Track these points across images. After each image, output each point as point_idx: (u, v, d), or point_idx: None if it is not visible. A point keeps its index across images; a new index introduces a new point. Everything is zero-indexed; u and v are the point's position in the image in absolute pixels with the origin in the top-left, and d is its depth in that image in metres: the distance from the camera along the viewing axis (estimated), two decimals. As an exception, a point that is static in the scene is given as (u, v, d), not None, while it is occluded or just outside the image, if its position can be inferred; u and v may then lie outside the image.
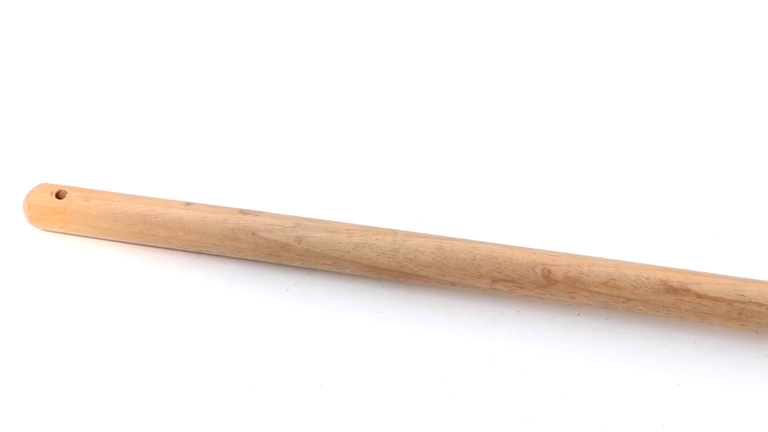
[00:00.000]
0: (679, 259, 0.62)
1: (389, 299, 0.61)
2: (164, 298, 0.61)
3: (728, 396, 0.56)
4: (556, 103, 0.76)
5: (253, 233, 0.61)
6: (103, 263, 0.63)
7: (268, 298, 0.61)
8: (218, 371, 0.57)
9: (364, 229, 0.60)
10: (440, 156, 0.71)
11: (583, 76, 0.78)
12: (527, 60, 0.80)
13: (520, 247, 0.59)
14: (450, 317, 0.60)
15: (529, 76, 0.79)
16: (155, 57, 0.81)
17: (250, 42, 0.82)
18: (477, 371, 0.57)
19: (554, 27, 0.84)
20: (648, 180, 0.69)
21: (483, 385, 0.57)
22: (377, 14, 0.85)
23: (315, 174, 0.69)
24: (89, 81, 0.78)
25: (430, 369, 0.57)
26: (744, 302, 0.55)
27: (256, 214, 0.61)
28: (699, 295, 0.56)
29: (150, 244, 0.64)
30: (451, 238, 0.59)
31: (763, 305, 0.55)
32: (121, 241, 0.64)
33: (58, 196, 0.63)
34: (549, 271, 0.57)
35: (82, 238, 0.65)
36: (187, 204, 0.62)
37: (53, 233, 0.65)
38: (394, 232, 0.60)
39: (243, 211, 0.62)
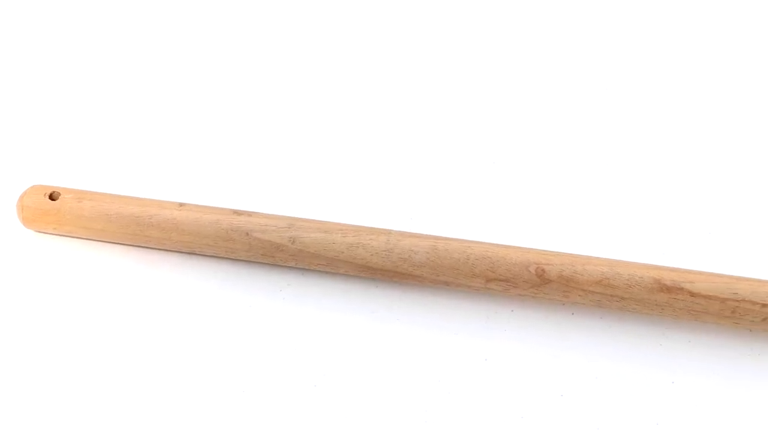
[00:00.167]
0: (672, 257, 0.62)
1: (383, 299, 0.61)
2: (158, 300, 0.61)
3: (722, 394, 0.56)
4: (550, 102, 0.76)
5: (247, 234, 0.60)
6: (96, 264, 0.63)
7: (262, 298, 0.61)
8: (213, 372, 0.57)
9: (358, 229, 0.60)
10: (434, 156, 0.71)
11: (576, 76, 0.78)
12: (520, 60, 0.80)
13: (513, 247, 0.59)
14: (444, 317, 0.60)
15: (523, 76, 0.79)
16: (149, 59, 0.81)
17: (242, 42, 0.82)
18: (471, 371, 0.57)
19: (544, 25, 0.84)
20: (641, 179, 0.69)
21: (477, 385, 0.57)
22: (370, 17, 0.85)
23: (308, 174, 0.69)
24: (82, 82, 0.78)
25: (424, 369, 0.57)
26: (737, 300, 0.55)
27: (250, 214, 0.61)
28: (693, 294, 0.56)
29: (143, 245, 0.63)
30: (444, 238, 0.59)
31: (757, 303, 0.55)
32: (114, 243, 0.64)
33: (52, 197, 0.63)
34: (543, 270, 0.57)
35: (75, 239, 0.64)
36: (181, 205, 0.62)
37: (47, 235, 0.65)
38: (388, 232, 0.60)
39: (236, 212, 0.62)
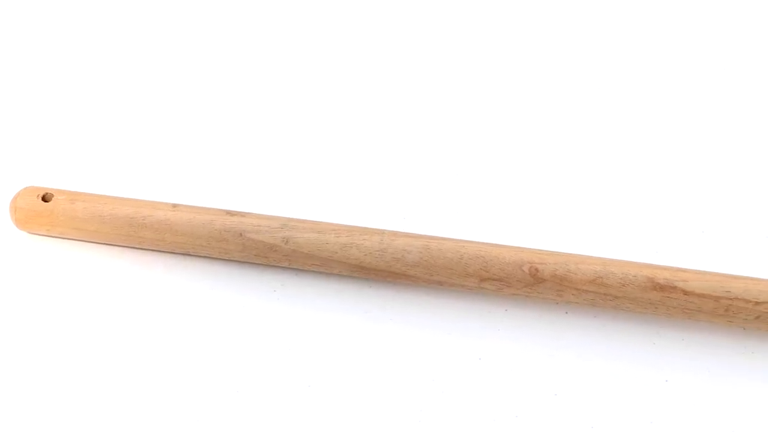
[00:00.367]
0: (665, 256, 0.62)
1: (377, 299, 0.61)
2: (152, 300, 0.61)
3: (716, 392, 0.56)
4: (543, 102, 0.76)
5: (240, 234, 0.60)
6: (90, 266, 0.63)
7: (256, 299, 0.61)
8: (207, 373, 0.57)
9: (351, 230, 0.60)
10: (427, 156, 0.71)
11: (570, 76, 0.79)
12: (514, 61, 0.80)
13: (507, 246, 0.59)
14: (438, 316, 0.60)
15: (517, 76, 0.79)
16: (141, 60, 0.81)
17: (233, 44, 0.82)
18: (465, 370, 0.57)
19: (533, 27, 0.84)
20: (634, 178, 0.69)
21: (471, 384, 0.57)
22: (363, 18, 0.85)
23: (301, 174, 0.69)
24: (75, 84, 0.78)
25: (418, 368, 0.57)
26: (731, 299, 0.55)
27: (243, 215, 0.61)
28: (686, 292, 0.56)
29: (137, 246, 0.63)
30: (438, 238, 0.59)
31: (750, 302, 0.55)
32: (108, 244, 0.64)
33: (45, 199, 0.63)
34: (536, 269, 0.57)
35: (68, 240, 0.64)
36: (174, 206, 0.62)
37: (40, 236, 0.65)
38: (381, 232, 0.60)
39: (230, 213, 0.62)
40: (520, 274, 0.57)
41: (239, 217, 0.61)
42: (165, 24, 0.84)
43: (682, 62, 0.79)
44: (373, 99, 0.76)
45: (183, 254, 0.63)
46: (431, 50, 0.81)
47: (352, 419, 0.55)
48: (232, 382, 0.57)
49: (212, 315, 0.60)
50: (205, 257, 0.63)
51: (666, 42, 0.82)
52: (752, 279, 0.56)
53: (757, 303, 0.55)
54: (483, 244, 0.59)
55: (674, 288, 0.56)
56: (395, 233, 0.60)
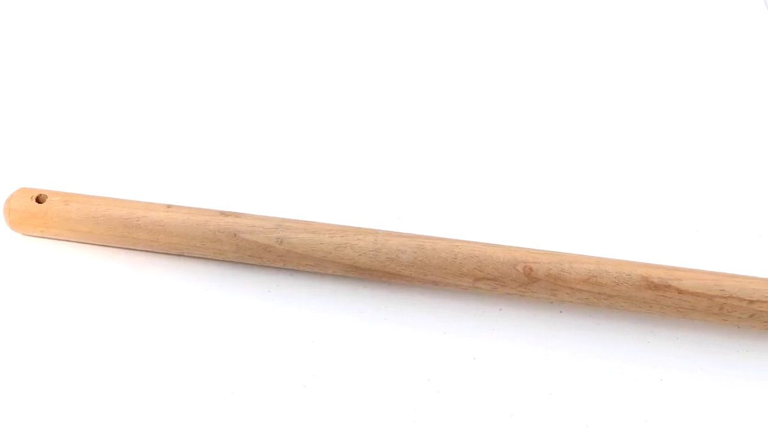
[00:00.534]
0: (659, 255, 0.62)
1: (371, 299, 0.61)
2: (146, 301, 0.61)
3: (710, 391, 0.56)
4: (537, 102, 0.76)
5: (235, 235, 0.60)
6: (84, 267, 0.63)
7: (251, 299, 0.61)
8: (202, 373, 0.57)
9: (346, 230, 0.60)
10: (421, 155, 0.71)
11: (563, 75, 0.79)
12: (507, 61, 0.80)
13: (501, 246, 0.59)
14: (432, 316, 0.60)
15: (510, 76, 0.79)
16: (135, 61, 0.81)
17: (227, 45, 0.82)
18: (460, 370, 0.57)
19: (526, 28, 0.84)
20: (628, 177, 0.69)
21: (466, 384, 0.57)
22: (356, 21, 0.85)
23: (296, 175, 0.69)
24: (68, 85, 0.78)
25: (413, 368, 0.57)
26: (725, 297, 0.55)
27: (237, 215, 0.61)
28: (680, 291, 0.56)
29: (131, 248, 0.63)
30: (432, 238, 0.59)
31: (744, 300, 0.55)
32: (102, 245, 0.64)
33: (39, 200, 0.63)
34: (530, 268, 0.57)
35: (62, 242, 0.64)
36: (168, 207, 0.62)
37: (34, 237, 0.65)
38: (375, 232, 0.60)
39: (224, 213, 0.61)
40: (515, 273, 0.57)
41: (233, 217, 0.61)
42: (159, 26, 0.84)
43: (677, 64, 0.80)
44: (367, 99, 0.76)
45: (177, 255, 0.63)
46: (425, 52, 0.81)
47: (348, 419, 0.55)
48: (227, 382, 0.57)
49: (207, 316, 0.60)
50: (199, 258, 0.63)
51: (659, 44, 0.82)
52: (746, 277, 0.56)
53: (751, 301, 0.55)
54: (477, 243, 0.59)
55: (668, 287, 0.56)
56: (389, 233, 0.60)
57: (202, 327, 0.60)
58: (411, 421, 0.55)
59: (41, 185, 0.66)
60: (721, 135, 0.72)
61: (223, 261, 0.62)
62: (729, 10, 0.85)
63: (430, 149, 0.71)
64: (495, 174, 0.69)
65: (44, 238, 0.64)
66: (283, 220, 0.61)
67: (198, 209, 0.62)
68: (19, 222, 0.63)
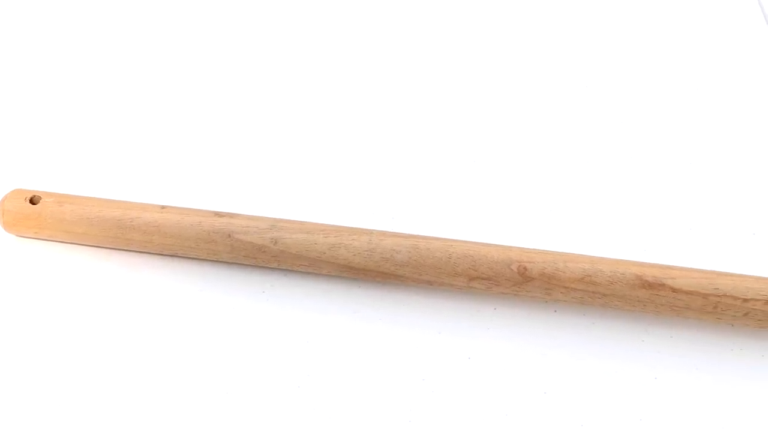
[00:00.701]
0: (654, 253, 0.62)
1: (366, 299, 0.61)
2: (141, 303, 0.61)
3: (705, 389, 0.56)
4: (530, 101, 0.76)
5: (229, 235, 0.60)
6: (78, 268, 0.63)
7: (245, 300, 0.61)
8: (196, 374, 0.57)
9: (340, 230, 0.60)
10: (414, 155, 0.71)
11: (555, 74, 0.79)
12: (499, 60, 0.81)
13: (495, 245, 0.59)
14: (427, 316, 0.60)
15: (502, 75, 0.79)
16: (129, 62, 0.80)
17: (219, 45, 0.82)
18: (455, 369, 0.57)
19: (518, 28, 0.84)
20: (622, 176, 0.69)
21: (461, 383, 0.57)
22: (348, 22, 0.85)
23: (289, 175, 0.69)
24: (62, 86, 0.78)
25: (408, 368, 0.57)
26: (719, 296, 0.55)
27: (231, 216, 0.61)
28: (674, 290, 0.56)
29: (125, 248, 0.63)
30: (426, 237, 0.59)
31: (738, 298, 0.55)
32: (96, 246, 0.64)
33: (32, 201, 0.63)
34: (525, 268, 0.57)
35: (56, 243, 0.64)
36: (162, 207, 0.62)
37: (27, 239, 0.65)
38: (370, 232, 0.60)
39: (218, 214, 0.61)
40: (509, 272, 0.57)
41: (228, 218, 0.61)
42: (152, 27, 0.84)
43: (669, 63, 0.80)
44: (361, 99, 0.76)
45: (171, 256, 0.63)
46: (417, 52, 0.81)
47: (343, 419, 0.55)
48: (221, 383, 0.57)
49: (201, 316, 0.60)
50: (193, 259, 0.63)
51: (650, 43, 0.82)
52: (740, 276, 0.56)
53: (745, 300, 0.55)
54: (471, 243, 0.59)
55: (662, 285, 0.56)
56: (384, 233, 0.60)
57: (196, 328, 0.60)
58: (406, 421, 0.55)
59: (35, 186, 0.66)
60: (714, 134, 0.73)
61: (218, 261, 0.62)
62: (722, 9, 0.85)
63: (424, 149, 0.71)
64: (489, 173, 0.69)
65: (38, 239, 0.64)
66: (277, 220, 0.61)
67: (192, 210, 0.62)
68: (12, 223, 0.63)
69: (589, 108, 0.75)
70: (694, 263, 0.59)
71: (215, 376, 0.57)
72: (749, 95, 0.76)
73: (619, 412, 0.55)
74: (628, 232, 0.65)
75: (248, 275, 0.62)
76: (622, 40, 0.82)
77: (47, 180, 0.68)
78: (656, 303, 0.56)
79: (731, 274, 0.57)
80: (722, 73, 0.78)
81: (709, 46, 0.81)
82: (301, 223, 0.61)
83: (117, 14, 0.86)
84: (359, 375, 0.57)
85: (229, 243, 0.60)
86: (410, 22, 0.85)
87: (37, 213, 0.63)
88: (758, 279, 0.56)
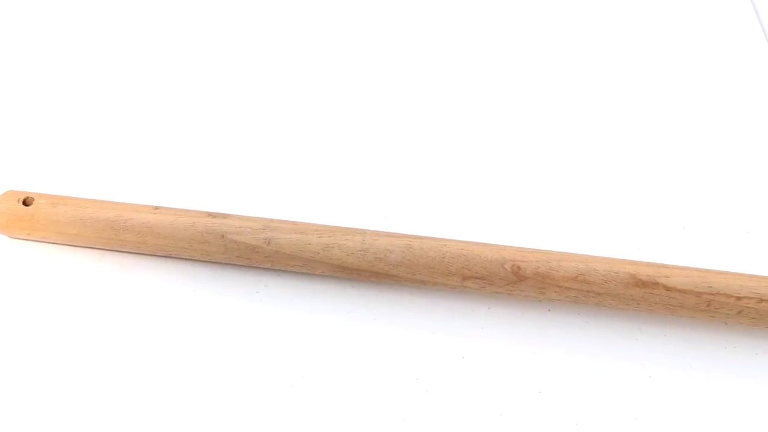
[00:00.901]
0: (647, 252, 0.62)
1: (360, 299, 0.61)
2: (134, 304, 0.61)
3: (699, 388, 0.56)
4: (524, 100, 0.76)
5: (222, 236, 0.60)
6: (71, 269, 0.63)
7: (239, 300, 0.61)
8: (190, 375, 0.57)
9: (333, 230, 0.60)
10: (408, 155, 0.71)
11: (549, 74, 0.79)
12: (494, 60, 0.81)
13: (489, 244, 0.59)
14: (421, 315, 0.60)
15: (497, 75, 0.79)
16: (122, 63, 0.80)
17: (214, 46, 0.82)
18: (449, 369, 0.57)
19: (520, 25, 0.84)
20: (616, 175, 0.69)
21: (455, 383, 0.57)
22: (342, 20, 0.85)
23: (283, 175, 0.69)
24: (55, 87, 0.78)
25: (402, 367, 0.57)
26: (712, 294, 0.56)
27: (225, 216, 0.61)
28: (668, 288, 0.56)
29: (119, 250, 0.63)
30: (420, 237, 0.59)
31: (732, 297, 0.55)
32: (89, 247, 0.64)
33: (25, 203, 0.63)
34: (518, 267, 0.57)
35: (50, 244, 0.64)
36: (155, 208, 0.62)
37: (21, 240, 0.64)
38: (363, 232, 0.60)
39: (211, 214, 0.61)
40: (503, 272, 0.57)
41: (221, 218, 0.61)
42: (146, 28, 0.84)
43: (663, 62, 0.80)
44: (354, 99, 0.76)
45: (165, 257, 0.63)
46: (412, 52, 0.81)
47: (337, 419, 0.55)
48: (215, 383, 0.57)
49: (195, 317, 0.60)
50: (187, 259, 0.63)
51: (645, 42, 0.82)
52: (734, 274, 0.57)
53: (738, 298, 0.55)
54: (465, 242, 0.59)
55: (656, 284, 0.56)
56: (377, 233, 0.60)
57: (190, 328, 0.60)
58: (400, 421, 0.55)
59: (28, 188, 0.66)
60: (708, 132, 0.73)
61: (211, 262, 0.62)
62: (716, 9, 0.85)
63: (418, 148, 0.71)
64: (482, 173, 0.69)
65: (31, 240, 0.64)
66: (271, 220, 0.61)
67: (185, 211, 0.62)
68: (5, 225, 0.63)
69: (582, 108, 0.75)
70: (687, 262, 0.60)
71: (209, 377, 0.57)
72: (742, 95, 0.76)
73: (613, 410, 0.55)
74: (622, 230, 0.65)
75: (242, 276, 0.62)
76: (617, 40, 0.82)
77: (40, 181, 0.68)
78: (650, 301, 0.56)
79: (725, 273, 0.57)
80: (715, 73, 0.78)
81: (701, 45, 0.81)
82: (295, 223, 0.61)
83: (111, 17, 0.85)
84: (353, 375, 0.57)
85: (222, 243, 0.60)
86: (400, 21, 0.85)
87: (30, 214, 0.62)
88: (751, 277, 0.56)
